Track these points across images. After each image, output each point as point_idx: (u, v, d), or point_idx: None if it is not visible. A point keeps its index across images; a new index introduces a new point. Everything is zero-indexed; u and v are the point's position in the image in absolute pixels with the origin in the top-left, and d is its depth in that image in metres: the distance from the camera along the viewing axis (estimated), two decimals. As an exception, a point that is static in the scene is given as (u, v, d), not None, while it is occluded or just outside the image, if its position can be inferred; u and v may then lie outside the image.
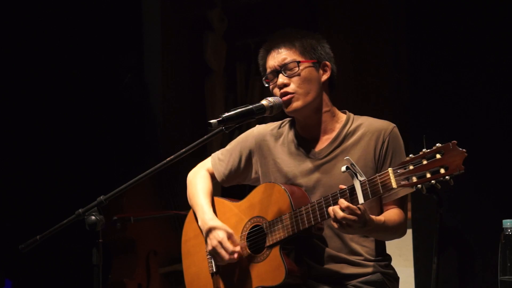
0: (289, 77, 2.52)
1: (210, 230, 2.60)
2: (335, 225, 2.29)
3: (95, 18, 5.01)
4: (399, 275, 2.62)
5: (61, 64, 4.85)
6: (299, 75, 2.52)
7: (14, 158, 4.70)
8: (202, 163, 2.86)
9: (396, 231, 2.48)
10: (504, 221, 2.16)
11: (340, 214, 2.25)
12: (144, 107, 5.29)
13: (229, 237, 2.57)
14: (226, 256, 2.55)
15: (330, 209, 2.29)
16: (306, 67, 2.53)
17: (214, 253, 2.59)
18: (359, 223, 2.25)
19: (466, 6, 3.50)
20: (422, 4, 3.66)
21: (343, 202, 2.26)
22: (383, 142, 2.49)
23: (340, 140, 2.54)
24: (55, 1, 4.86)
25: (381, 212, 2.52)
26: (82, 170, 4.81)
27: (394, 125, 2.56)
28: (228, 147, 2.79)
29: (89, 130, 4.92)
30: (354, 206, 2.24)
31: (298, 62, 2.52)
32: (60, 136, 4.83)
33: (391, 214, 2.47)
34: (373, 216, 2.33)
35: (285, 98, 2.51)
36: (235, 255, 2.54)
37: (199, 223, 2.69)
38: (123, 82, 5.19)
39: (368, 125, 2.55)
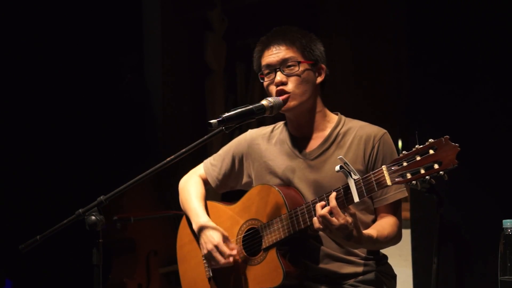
0: (288, 75, 2.49)
1: (205, 233, 2.59)
2: (317, 223, 2.26)
3: (95, 19, 5.01)
4: (398, 275, 2.61)
5: (61, 65, 4.85)
6: (298, 75, 2.49)
7: (15, 158, 4.71)
8: (194, 169, 2.84)
9: (388, 242, 2.45)
10: (504, 221, 2.16)
11: (320, 212, 2.24)
12: (144, 107, 5.30)
13: (225, 240, 2.56)
14: (221, 260, 2.54)
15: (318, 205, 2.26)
16: (305, 69, 2.51)
17: (209, 257, 2.57)
18: (341, 230, 2.21)
19: (466, 6, 3.50)
20: (422, 4, 3.66)
21: (319, 208, 2.24)
22: (373, 148, 2.48)
23: (331, 142, 2.53)
24: (56, 1, 4.87)
25: (373, 212, 2.51)
26: (82, 170, 4.82)
27: (385, 131, 2.53)
28: (220, 152, 2.78)
29: (90, 130, 4.92)
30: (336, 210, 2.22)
31: (299, 62, 2.50)
32: (60, 136, 4.83)
33: (385, 225, 2.44)
34: (364, 232, 2.30)
35: (281, 97, 2.48)
36: (231, 259, 2.53)
37: (193, 226, 2.67)
38: (123, 83, 5.19)
39: (359, 129, 2.53)
